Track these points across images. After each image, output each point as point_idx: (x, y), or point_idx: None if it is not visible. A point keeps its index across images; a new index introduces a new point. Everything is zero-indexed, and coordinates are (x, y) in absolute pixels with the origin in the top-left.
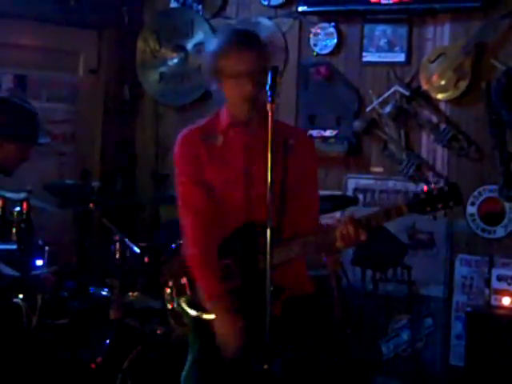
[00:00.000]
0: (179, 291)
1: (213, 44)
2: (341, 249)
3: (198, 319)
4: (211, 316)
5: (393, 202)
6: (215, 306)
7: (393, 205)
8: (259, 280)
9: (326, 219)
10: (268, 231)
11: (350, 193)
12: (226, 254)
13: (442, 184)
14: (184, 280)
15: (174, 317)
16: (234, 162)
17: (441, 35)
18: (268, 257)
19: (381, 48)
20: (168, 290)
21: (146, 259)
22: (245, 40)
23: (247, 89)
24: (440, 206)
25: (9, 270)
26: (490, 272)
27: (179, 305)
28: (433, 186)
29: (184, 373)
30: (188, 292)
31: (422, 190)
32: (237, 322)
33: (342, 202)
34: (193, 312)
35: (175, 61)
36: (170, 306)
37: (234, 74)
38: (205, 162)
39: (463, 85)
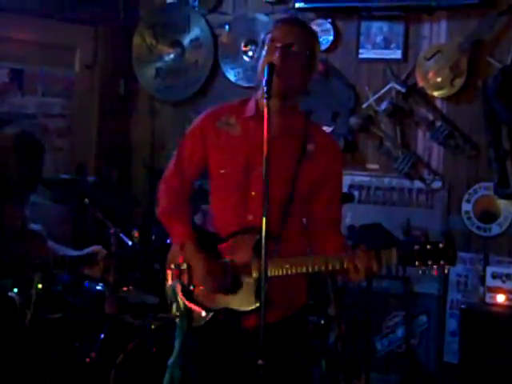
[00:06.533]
0: (178, 275)
1: None
2: (351, 280)
3: (188, 307)
4: (200, 311)
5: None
6: (184, 248)
7: (385, 250)
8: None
9: None
10: (263, 236)
11: (345, 189)
12: (225, 254)
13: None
14: (184, 266)
15: (169, 298)
16: (244, 156)
17: (437, 32)
18: (263, 261)
19: (377, 45)
20: (169, 271)
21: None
22: (289, 18)
23: (273, 57)
24: (430, 262)
25: (68, 250)
26: (484, 270)
27: (174, 289)
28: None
29: (172, 357)
30: (185, 279)
31: (418, 241)
32: (205, 262)
33: None
34: (184, 300)
35: (171, 56)
36: (167, 285)
37: (269, 41)
38: (212, 148)
39: (459, 82)
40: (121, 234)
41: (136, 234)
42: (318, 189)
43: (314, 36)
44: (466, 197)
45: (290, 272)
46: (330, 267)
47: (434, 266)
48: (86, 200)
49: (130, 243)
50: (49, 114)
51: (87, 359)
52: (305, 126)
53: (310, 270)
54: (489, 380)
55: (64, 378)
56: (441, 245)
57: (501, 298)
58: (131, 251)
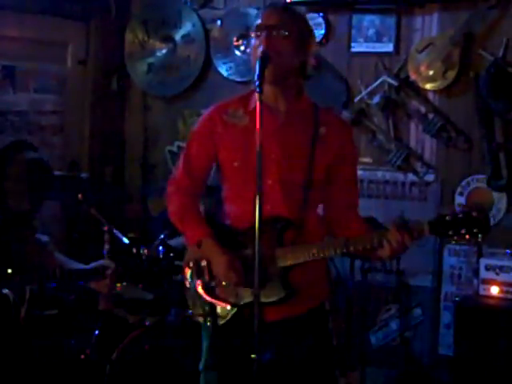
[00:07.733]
0: (198, 273)
1: None
2: (383, 257)
3: (211, 305)
4: (225, 305)
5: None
6: (202, 248)
7: (415, 223)
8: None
9: None
10: (256, 229)
11: None
12: (243, 247)
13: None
14: (204, 263)
15: (191, 298)
16: (256, 146)
17: (429, 25)
18: (256, 254)
19: (369, 38)
20: (188, 271)
21: (134, 250)
22: (273, 3)
23: (260, 43)
24: (463, 231)
25: (75, 263)
26: (478, 262)
27: (195, 288)
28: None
29: (202, 360)
30: (206, 276)
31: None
32: (227, 256)
33: None
34: (207, 297)
35: (163, 52)
36: (187, 286)
37: (256, 29)
38: (222, 142)
39: (451, 75)
40: (114, 231)
41: (146, 251)
42: (334, 172)
43: (299, 17)
44: (459, 189)
45: (317, 256)
46: (360, 247)
47: (467, 236)
48: (80, 196)
49: (124, 240)
50: (41, 111)
51: (82, 356)
52: (314, 109)
53: (339, 251)
54: (483, 372)
55: (59, 375)
56: (474, 213)
57: (495, 290)
58: (139, 266)
